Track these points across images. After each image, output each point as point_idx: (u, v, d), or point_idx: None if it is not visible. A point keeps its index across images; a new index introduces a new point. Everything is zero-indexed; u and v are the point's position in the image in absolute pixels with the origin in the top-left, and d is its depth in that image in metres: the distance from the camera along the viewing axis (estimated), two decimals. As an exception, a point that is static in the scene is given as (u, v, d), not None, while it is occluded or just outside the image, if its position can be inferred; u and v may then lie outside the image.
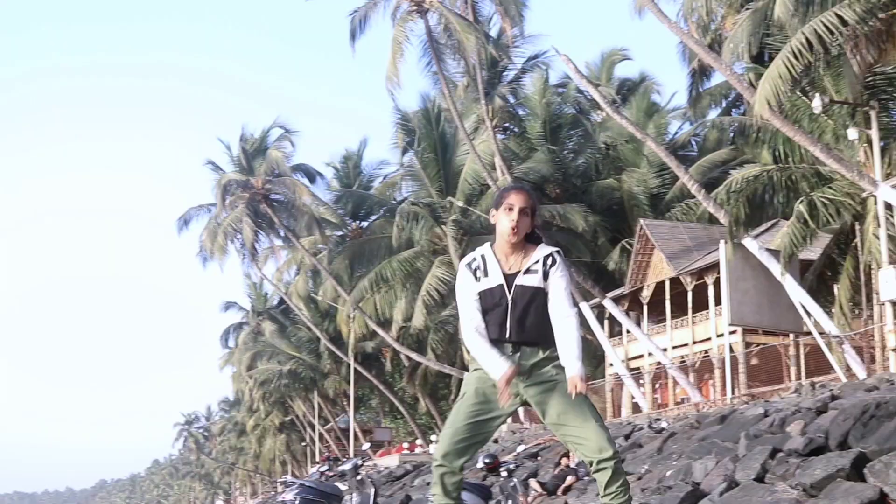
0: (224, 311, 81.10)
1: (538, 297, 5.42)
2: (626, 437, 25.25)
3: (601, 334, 37.89)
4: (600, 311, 37.96)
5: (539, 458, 26.93)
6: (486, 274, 5.48)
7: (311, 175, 53.12)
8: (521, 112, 47.90)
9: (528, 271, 5.45)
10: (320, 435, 74.81)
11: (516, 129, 48.31)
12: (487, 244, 5.59)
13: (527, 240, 5.55)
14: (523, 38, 45.85)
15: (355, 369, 56.77)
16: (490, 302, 5.43)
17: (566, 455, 22.29)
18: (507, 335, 5.38)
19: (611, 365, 38.60)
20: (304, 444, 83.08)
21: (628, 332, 37.26)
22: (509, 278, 5.44)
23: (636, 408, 36.27)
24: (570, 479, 21.33)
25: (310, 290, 61.33)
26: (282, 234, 52.38)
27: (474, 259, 5.58)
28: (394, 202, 49.17)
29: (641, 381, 36.75)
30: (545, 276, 5.45)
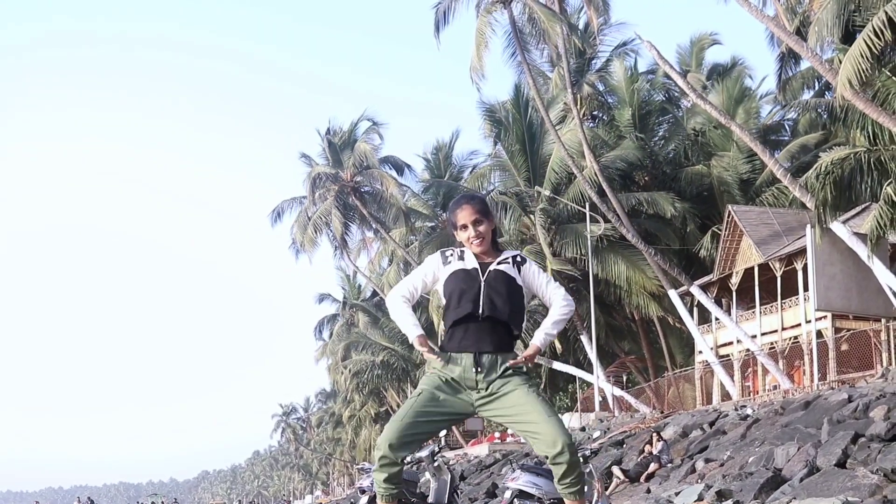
0: (318, 302, 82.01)
1: (510, 285, 5.57)
2: (711, 424, 25.07)
3: (690, 322, 37.59)
4: (689, 299, 37.68)
5: (624, 445, 26.87)
6: (461, 259, 5.64)
7: (399, 167, 53.43)
8: (609, 100, 47.69)
9: (500, 262, 5.64)
10: (413, 424, 75.25)
11: (605, 117, 48.12)
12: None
13: (494, 248, 5.73)
14: (609, 27, 45.70)
15: (447, 359, 56.95)
16: (463, 281, 5.56)
17: (650, 443, 22.25)
18: (480, 311, 5.47)
19: (700, 352, 38.27)
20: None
21: (717, 319, 36.90)
22: (483, 265, 5.59)
23: (726, 395, 35.93)
24: (652, 466, 21.31)
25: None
26: (372, 225, 52.73)
27: (452, 250, 5.77)
28: (484, 193, 49.25)
29: (731, 369, 36.38)
30: (517, 269, 5.63)
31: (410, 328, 5.62)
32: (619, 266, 41.09)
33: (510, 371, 5.47)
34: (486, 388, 5.46)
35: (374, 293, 70.37)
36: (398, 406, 79.06)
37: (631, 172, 43.88)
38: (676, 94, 46.84)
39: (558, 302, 5.67)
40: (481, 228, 5.59)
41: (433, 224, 55.16)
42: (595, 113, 48.35)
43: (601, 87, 47.56)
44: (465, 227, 5.60)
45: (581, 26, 45.25)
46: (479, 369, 5.43)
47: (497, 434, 53.03)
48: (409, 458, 15.62)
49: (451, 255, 5.69)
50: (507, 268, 5.58)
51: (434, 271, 5.71)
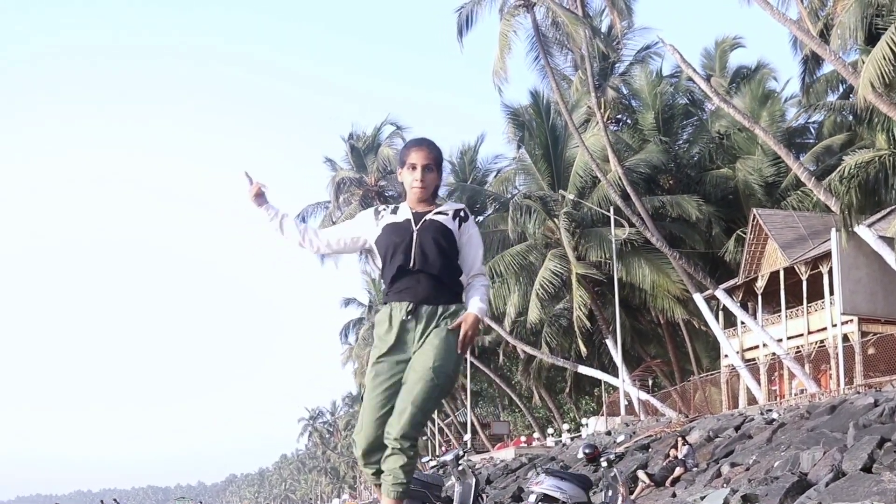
0: (344, 306, 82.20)
1: (445, 237, 5.28)
2: (737, 428, 25.05)
3: (715, 326, 37.54)
4: (715, 303, 37.63)
5: (650, 449, 26.88)
6: (394, 213, 5.36)
7: (424, 172, 53.46)
8: (633, 103, 47.66)
9: (438, 213, 5.33)
10: (440, 428, 75.39)
11: (629, 121, 48.09)
12: (404, 202, 5.47)
13: (436, 197, 5.46)
14: (633, 30, 45.71)
15: (472, 363, 57.08)
16: (396, 234, 5.27)
17: (675, 447, 22.27)
18: (412, 264, 5.21)
19: (725, 356, 38.19)
20: (424, 437, 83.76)
21: (743, 323, 36.83)
22: (417, 215, 5.30)
23: (752, 399, 35.85)
24: (678, 471, 21.31)
25: (426, 285, 61.78)
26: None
27: (385, 206, 5.53)
28: (508, 196, 49.29)
29: (757, 373, 36.29)
30: (458, 224, 5.32)
31: (269, 211, 5.57)
32: (644, 270, 41.06)
33: (440, 330, 5.20)
34: (418, 340, 5.22)
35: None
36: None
37: (655, 176, 43.83)
38: (700, 97, 46.74)
39: (476, 289, 5.33)
40: (430, 176, 5.33)
41: (458, 228, 55.22)
42: (619, 116, 48.33)
43: (625, 91, 47.52)
44: (413, 167, 5.30)
45: (604, 30, 45.24)
46: (412, 318, 5.21)
47: (523, 438, 53.13)
48: (433, 462, 15.74)
49: (384, 209, 5.45)
50: (445, 219, 5.30)
51: (362, 224, 5.47)
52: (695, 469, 21.25)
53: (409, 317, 5.23)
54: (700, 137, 45.56)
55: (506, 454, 43.13)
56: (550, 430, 49.07)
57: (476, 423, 65.09)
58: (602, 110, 39.66)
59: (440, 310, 5.25)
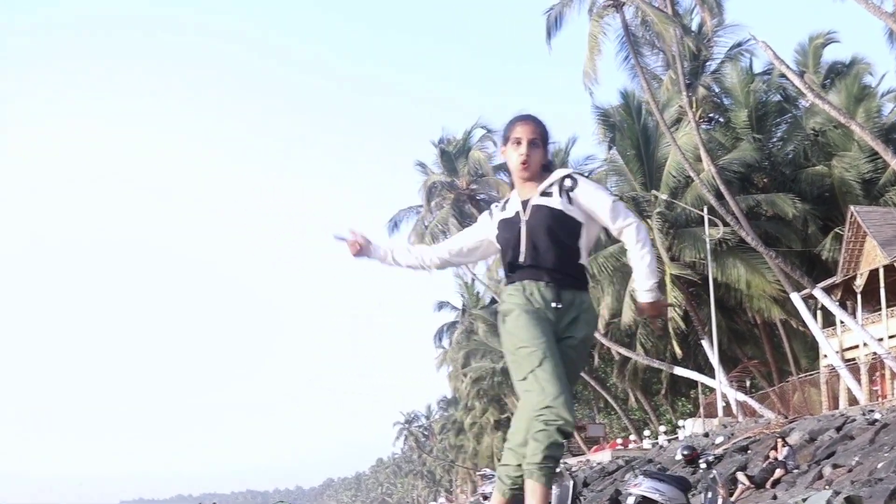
0: (437, 310, 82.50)
1: (557, 221, 4.94)
2: (838, 428, 24.68)
3: (814, 325, 37.00)
4: (813, 302, 37.11)
5: (749, 451, 26.62)
6: (503, 209, 5.12)
7: (515, 174, 53.37)
8: (725, 101, 47.17)
9: (543, 193, 5.01)
10: (536, 431, 75.22)
11: (721, 119, 47.61)
12: (514, 191, 5.19)
13: (544, 174, 5.10)
14: (724, 28, 45.24)
15: (567, 366, 56.82)
16: (507, 230, 5.03)
17: (775, 448, 22.05)
18: (522, 259, 4.95)
19: (825, 356, 37.63)
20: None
21: (842, 322, 36.25)
22: (525, 203, 5.02)
23: (853, 399, 35.27)
24: (778, 472, 21.11)
25: (520, 288, 61.82)
26: (490, 233, 52.80)
27: (497, 203, 5.28)
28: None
29: (858, 373, 35.69)
30: (568, 199, 4.96)
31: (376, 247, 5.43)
32: (739, 270, 40.64)
33: (578, 315, 4.96)
34: (558, 320, 4.93)
35: (493, 300, 70.48)
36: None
37: (749, 174, 43.32)
38: (794, 94, 46.08)
39: (632, 246, 4.95)
40: (535, 152, 5.04)
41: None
42: (711, 115, 47.85)
43: (716, 89, 47.06)
44: (518, 142, 5.03)
45: (695, 28, 44.89)
46: (557, 304, 4.92)
47: (619, 440, 52.87)
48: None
49: (496, 206, 5.23)
50: (550, 201, 4.95)
51: (482, 226, 5.24)
52: (795, 471, 21.03)
53: (545, 298, 4.93)
54: (794, 135, 44.93)
55: (602, 457, 42.96)
56: (647, 432, 48.73)
57: (571, 426, 64.78)
58: (693, 109, 39.30)
59: (572, 297, 4.96)
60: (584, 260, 5.02)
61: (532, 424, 4.74)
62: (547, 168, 5.11)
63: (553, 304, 4.92)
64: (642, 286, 4.96)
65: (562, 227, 4.94)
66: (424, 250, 5.41)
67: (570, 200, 4.95)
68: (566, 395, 4.72)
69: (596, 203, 4.96)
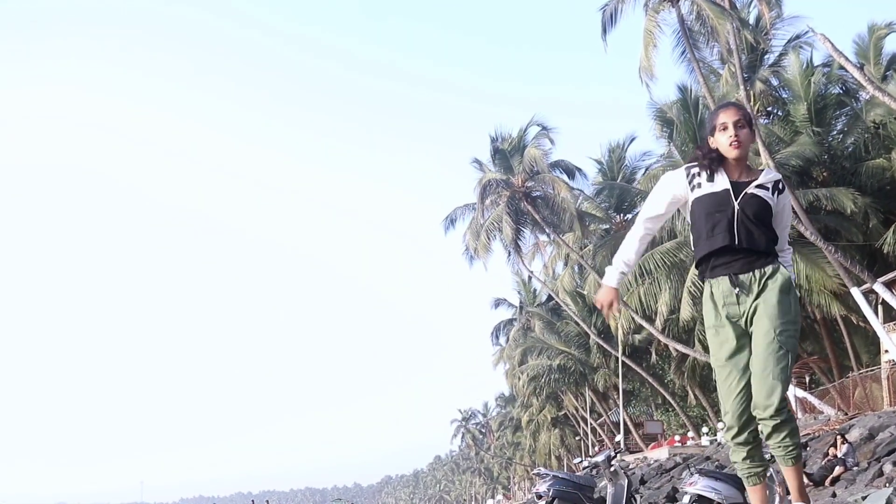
0: (494, 308, 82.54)
1: (766, 212, 5.26)
2: (899, 425, 24.35)
3: (875, 320, 36.48)
4: (874, 296, 36.59)
5: (808, 448, 26.31)
6: (710, 179, 5.30)
7: (570, 171, 53.16)
8: (783, 95, 46.67)
9: (759, 186, 5.28)
10: (593, 428, 75.07)
11: (779, 113, 47.10)
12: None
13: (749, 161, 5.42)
14: (782, 20, 44.74)
15: (624, 362, 56.67)
16: (713, 208, 5.25)
17: (834, 445, 21.78)
18: (736, 241, 5.21)
19: (886, 351, 37.10)
20: (577, 437, 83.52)
21: (904, 317, 35.76)
22: (737, 186, 5.26)
23: (915, 395, 34.79)
24: (838, 470, 20.84)
25: (576, 284, 61.66)
26: (545, 230, 52.72)
27: (696, 166, 5.41)
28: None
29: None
30: (776, 197, 5.30)
31: (612, 271, 5.50)
32: (799, 264, 40.13)
33: (768, 293, 5.23)
34: (750, 306, 5.26)
35: (550, 297, 70.37)
36: (576, 409, 79.15)
37: (808, 168, 42.80)
38: (854, 86, 45.45)
39: (787, 257, 5.45)
40: (743, 132, 5.29)
41: (607, 227, 54.95)
42: (769, 109, 47.36)
43: (775, 83, 46.56)
44: (725, 127, 5.29)
45: (752, 21, 44.43)
46: (738, 289, 5.24)
47: (677, 437, 52.53)
48: (585, 463, 15.73)
49: (699, 173, 5.37)
50: (765, 194, 5.27)
51: (676, 192, 5.44)
52: (855, 468, 20.75)
53: (735, 289, 5.26)
54: (854, 128, 44.33)
55: (659, 454, 42.73)
56: (705, 430, 48.34)
57: (629, 423, 64.58)
58: (752, 103, 38.91)
59: (757, 274, 5.24)
60: (781, 241, 5.42)
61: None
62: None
63: (731, 294, 5.29)
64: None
65: (770, 218, 5.30)
66: (639, 239, 5.57)
67: (777, 198, 5.31)
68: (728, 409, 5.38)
69: (782, 215, 5.40)
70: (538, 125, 53.18)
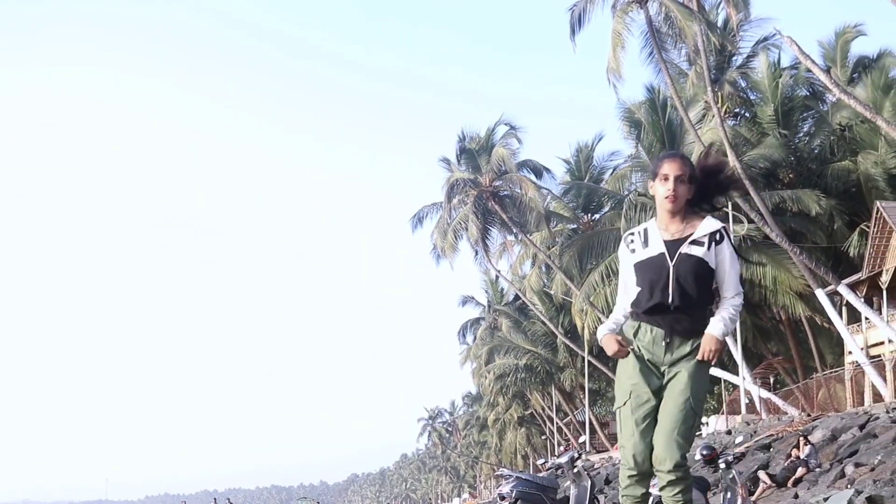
0: (462, 305, 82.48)
1: (701, 270, 5.24)
2: (861, 427, 24.44)
3: (839, 322, 36.67)
4: (838, 298, 36.77)
5: (771, 449, 26.40)
6: (645, 245, 5.33)
7: (538, 171, 53.14)
8: (751, 97, 46.84)
9: (693, 242, 5.26)
10: (559, 428, 75.16)
11: (747, 115, 47.26)
12: (652, 219, 5.45)
13: (689, 209, 5.38)
14: (750, 22, 44.88)
15: (590, 362, 56.73)
16: (650, 272, 5.28)
17: (797, 447, 21.84)
18: (670, 301, 5.22)
19: (850, 353, 37.32)
20: (543, 437, 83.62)
21: (867, 318, 35.93)
22: (671, 245, 5.27)
23: (878, 396, 34.96)
24: (800, 471, 20.91)
25: (543, 284, 61.67)
26: (513, 230, 52.68)
27: (633, 233, 5.46)
28: (624, 194, 48.81)
29: (883, 369, 35.34)
30: (713, 249, 5.26)
31: (604, 329, 5.50)
32: (764, 266, 40.33)
33: (691, 360, 5.28)
34: (669, 367, 5.32)
35: (517, 297, 70.39)
36: (542, 409, 79.20)
37: (775, 170, 42.99)
38: (821, 88, 45.69)
39: (726, 312, 5.34)
40: (682, 188, 5.27)
41: (574, 226, 54.97)
42: (737, 110, 47.53)
43: (742, 84, 46.72)
44: (666, 178, 5.28)
45: (720, 23, 44.54)
46: (668, 342, 5.28)
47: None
48: (549, 464, 15.68)
49: (634, 239, 5.41)
50: (700, 251, 5.24)
51: (623, 265, 5.49)
52: (817, 469, 20.83)
53: (665, 341, 5.31)
54: (821, 130, 44.56)
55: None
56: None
57: (595, 422, 64.71)
58: (719, 104, 38.99)
59: (690, 342, 5.31)
60: (727, 288, 5.38)
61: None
62: (693, 205, 5.42)
63: (661, 348, 5.34)
64: (714, 330, 5.27)
65: (707, 275, 5.28)
66: (620, 319, 5.58)
67: (713, 250, 5.27)
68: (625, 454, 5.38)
69: (724, 265, 5.31)
70: (506, 124, 53.15)
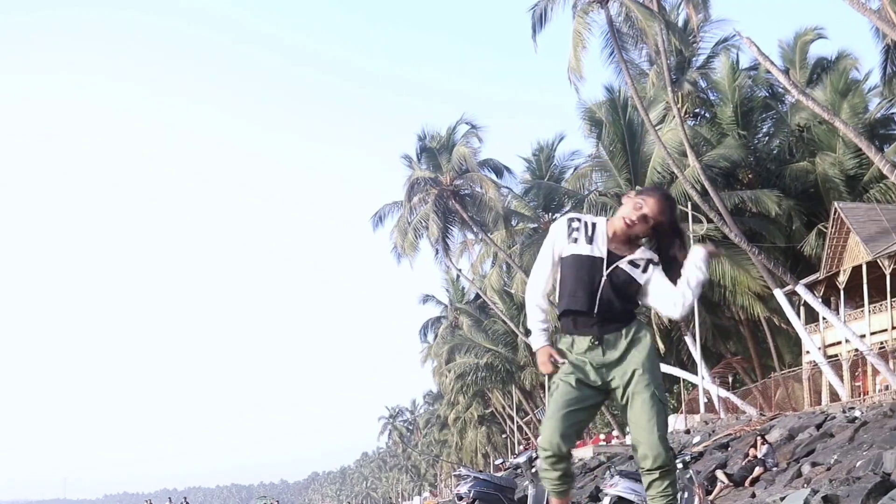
0: (422, 304, 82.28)
1: (631, 287, 5.25)
2: (818, 426, 24.60)
3: (797, 322, 36.89)
4: (797, 298, 36.97)
5: (729, 448, 26.51)
6: (589, 241, 5.26)
7: (499, 170, 53.12)
8: (711, 97, 47.03)
9: (633, 263, 5.26)
10: (519, 426, 75.23)
11: (707, 115, 47.47)
12: (604, 218, 5.41)
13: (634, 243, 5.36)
14: (710, 23, 45.04)
15: (550, 361, 56.69)
16: (583, 271, 5.22)
17: (754, 446, 21.92)
18: (595, 310, 5.20)
19: (807, 352, 37.55)
20: (504, 435, 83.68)
21: (824, 318, 36.17)
22: (612, 256, 5.23)
23: (835, 396, 35.20)
24: (757, 470, 20.99)
25: (504, 283, 61.67)
26: (473, 229, 52.64)
27: (579, 220, 5.36)
28: (584, 193, 48.86)
29: (840, 369, 35.58)
30: (646, 274, 5.27)
31: (535, 334, 5.42)
32: (724, 266, 40.50)
33: (639, 353, 5.27)
34: (614, 366, 5.29)
35: (478, 296, 70.41)
36: (503, 408, 79.30)
37: (734, 170, 43.22)
38: (780, 89, 45.97)
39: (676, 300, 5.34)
40: (642, 227, 5.25)
41: (535, 226, 54.95)
42: (697, 111, 47.73)
43: (702, 85, 46.92)
44: (639, 208, 5.24)
45: (680, 24, 44.68)
46: (600, 343, 5.26)
47: (602, 436, 52.73)
48: (508, 464, 15.66)
49: (579, 227, 5.32)
50: (635, 272, 5.25)
51: (556, 243, 5.36)
52: (775, 469, 20.91)
53: (597, 346, 5.29)
54: (780, 131, 44.84)
55: (584, 452, 42.75)
56: (629, 428, 48.57)
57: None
58: (679, 105, 39.11)
59: (624, 331, 5.30)
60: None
61: None
62: (646, 238, 5.41)
63: (595, 350, 5.32)
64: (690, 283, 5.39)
65: (635, 292, 5.32)
66: (543, 304, 5.47)
67: (646, 273, 5.29)
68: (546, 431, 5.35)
69: (655, 282, 5.32)
70: (467, 123, 53.07)
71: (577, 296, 5.24)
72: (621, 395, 5.33)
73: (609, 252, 5.25)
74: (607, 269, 5.21)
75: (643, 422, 5.23)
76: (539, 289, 5.43)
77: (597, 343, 5.29)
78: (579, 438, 5.59)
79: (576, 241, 5.30)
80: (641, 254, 5.31)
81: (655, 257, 5.33)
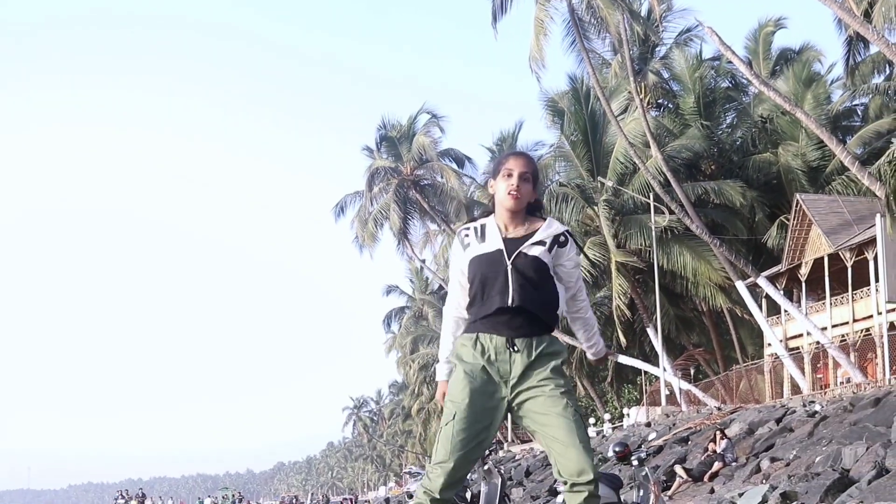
0: (386, 294, 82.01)
1: (542, 271, 4.89)
2: (778, 420, 24.42)
3: (758, 314, 36.77)
4: (759, 290, 36.87)
5: (689, 442, 26.29)
6: (481, 240, 4.97)
7: (460, 160, 52.91)
8: (674, 88, 46.84)
9: (534, 243, 4.92)
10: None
11: (670, 105, 47.28)
12: (490, 216, 5.07)
13: (529, 212, 5.05)
14: (673, 13, 44.89)
15: (513, 353, 56.58)
16: (487, 268, 4.91)
17: (714, 440, 21.72)
18: (511, 302, 4.83)
19: (769, 345, 37.45)
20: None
21: (786, 311, 36.08)
22: (510, 243, 4.92)
23: (797, 388, 35.13)
24: (716, 466, 20.80)
25: (467, 274, 61.42)
26: (435, 219, 52.37)
27: (467, 227, 5.09)
28: (547, 184, 48.62)
29: (802, 362, 35.52)
30: (553, 253, 4.93)
31: (441, 367, 5.11)
32: (686, 257, 40.34)
33: (548, 365, 4.85)
34: (520, 379, 4.85)
35: (441, 287, 70.16)
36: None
37: (697, 161, 43.05)
38: (743, 80, 45.85)
39: (588, 309, 5.10)
40: (525, 187, 4.93)
41: (497, 216, 54.70)
42: (660, 101, 47.52)
43: (665, 75, 46.72)
44: (509, 174, 4.92)
45: (644, 13, 44.47)
46: (514, 348, 4.82)
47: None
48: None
49: (468, 234, 5.03)
50: (541, 251, 4.88)
51: (457, 260, 5.05)
52: (734, 464, 20.71)
53: (507, 350, 4.86)
54: (743, 122, 44.74)
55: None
56: (592, 420, 48.41)
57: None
58: (642, 95, 38.84)
59: (535, 342, 4.87)
60: (561, 308, 5.03)
61: None
62: (536, 207, 5.09)
63: (503, 353, 4.90)
64: (591, 349, 5.29)
65: (546, 278, 4.93)
66: (459, 321, 5.11)
67: (553, 253, 4.94)
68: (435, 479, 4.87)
69: (567, 270, 5.01)
70: (428, 113, 52.76)
71: (489, 297, 4.88)
72: (528, 407, 4.88)
73: (505, 241, 4.92)
74: (509, 257, 4.87)
75: (567, 437, 4.77)
76: (455, 302, 5.10)
77: (511, 346, 4.86)
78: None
79: (469, 245, 4.99)
80: (545, 231, 4.97)
81: (561, 229, 4.99)
